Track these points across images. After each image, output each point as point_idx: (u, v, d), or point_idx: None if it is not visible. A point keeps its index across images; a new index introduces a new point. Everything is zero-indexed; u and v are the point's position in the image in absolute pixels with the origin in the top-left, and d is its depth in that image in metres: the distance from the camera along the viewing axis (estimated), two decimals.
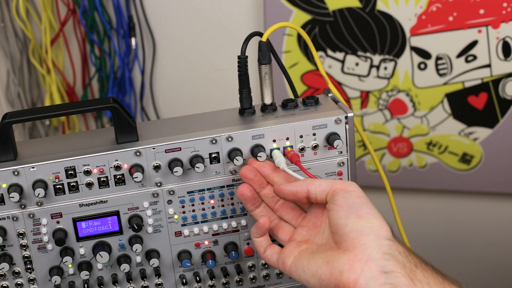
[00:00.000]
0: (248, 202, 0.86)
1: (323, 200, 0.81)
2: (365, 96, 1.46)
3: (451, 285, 0.74)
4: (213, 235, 0.93)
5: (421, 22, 1.37)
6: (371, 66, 1.42)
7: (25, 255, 0.89)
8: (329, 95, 0.96)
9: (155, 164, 0.87)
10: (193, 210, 0.91)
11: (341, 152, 0.92)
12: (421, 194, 1.56)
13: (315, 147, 0.91)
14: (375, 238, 0.74)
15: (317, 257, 0.78)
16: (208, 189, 0.91)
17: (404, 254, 0.74)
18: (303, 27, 1.41)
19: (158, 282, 0.94)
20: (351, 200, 0.78)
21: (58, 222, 0.88)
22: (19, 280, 0.90)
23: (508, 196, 1.52)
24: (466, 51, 1.38)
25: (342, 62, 1.43)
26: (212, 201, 0.92)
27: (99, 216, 0.89)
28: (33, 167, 0.85)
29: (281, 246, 0.85)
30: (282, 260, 0.82)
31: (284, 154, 0.89)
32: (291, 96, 1.01)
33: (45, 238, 0.89)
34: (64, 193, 0.87)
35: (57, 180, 0.86)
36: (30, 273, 0.90)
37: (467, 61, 1.39)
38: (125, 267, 0.90)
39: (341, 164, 0.92)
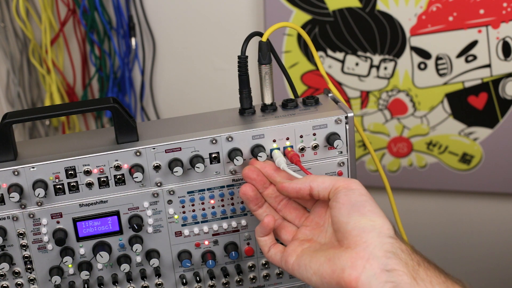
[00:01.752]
0: (251, 202, 0.86)
1: (326, 197, 0.81)
2: (365, 96, 1.46)
3: (454, 284, 0.74)
4: (213, 235, 0.93)
5: (421, 22, 1.37)
6: (371, 66, 1.42)
7: (25, 255, 0.89)
8: (329, 95, 0.96)
9: (155, 164, 0.87)
10: (193, 210, 0.91)
11: (341, 152, 0.92)
12: (421, 194, 1.56)
13: (315, 147, 0.91)
14: (377, 236, 0.74)
15: (319, 255, 0.78)
16: (208, 189, 0.91)
17: (407, 252, 0.74)
18: (303, 27, 1.41)
19: (158, 282, 0.94)
20: (354, 198, 0.78)
21: (58, 222, 0.88)
22: (19, 280, 0.90)
23: (508, 196, 1.52)
24: (466, 51, 1.38)
25: (342, 62, 1.43)
26: (212, 201, 0.92)
27: (99, 216, 0.89)
28: (33, 167, 0.85)
29: (285, 246, 0.85)
30: (285, 259, 0.82)
31: (284, 154, 0.89)
32: (291, 96, 1.01)
33: (45, 238, 0.89)
34: (64, 193, 0.87)
35: (57, 180, 0.86)
36: (30, 273, 0.90)
37: (467, 61, 1.39)
38: (125, 267, 0.90)
39: (341, 164, 0.92)
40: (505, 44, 1.36)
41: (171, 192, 0.90)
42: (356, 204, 0.77)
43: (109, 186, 0.88)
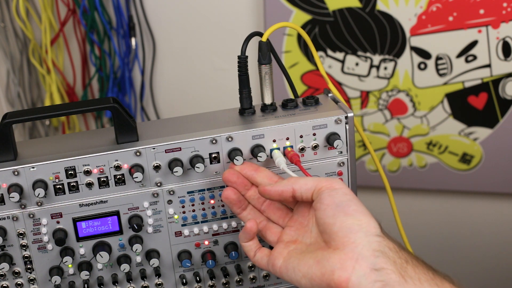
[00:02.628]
0: (234, 205, 0.86)
1: (309, 198, 0.80)
2: (365, 96, 1.46)
3: (442, 280, 0.74)
4: (213, 235, 0.93)
5: (421, 22, 1.37)
6: (371, 66, 1.42)
7: (25, 255, 0.89)
8: (329, 95, 0.96)
9: (155, 164, 0.87)
10: (193, 210, 0.91)
11: (341, 152, 0.92)
12: (421, 194, 1.56)
13: (315, 147, 0.91)
14: (365, 235, 0.74)
15: (307, 257, 0.77)
16: (208, 189, 0.91)
17: (394, 250, 0.74)
18: (303, 27, 1.41)
19: (158, 282, 0.94)
20: (338, 198, 0.77)
21: (58, 222, 0.88)
22: (19, 280, 0.90)
23: (508, 196, 1.52)
24: (466, 51, 1.38)
25: (342, 62, 1.43)
26: (212, 201, 0.92)
27: (99, 216, 0.89)
28: (33, 167, 0.85)
29: (271, 248, 0.85)
30: (272, 262, 0.81)
31: (284, 154, 0.89)
32: (291, 96, 1.01)
33: (45, 238, 0.89)
34: (64, 193, 0.87)
35: (57, 180, 0.86)
36: (30, 273, 0.90)
37: (467, 61, 1.39)
38: (125, 267, 0.90)
39: (341, 164, 0.92)
40: (505, 44, 1.36)
41: (171, 192, 0.90)
42: (340, 205, 0.77)
43: (109, 186, 0.88)
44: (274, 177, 0.85)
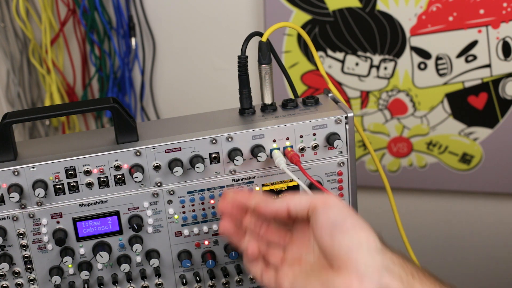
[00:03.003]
0: (233, 237, 0.84)
1: (305, 216, 0.78)
2: (365, 96, 1.46)
3: None
4: (213, 235, 0.93)
5: (421, 22, 1.37)
6: (371, 66, 1.42)
7: (25, 255, 0.89)
8: (329, 95, 0.96)
9: (155, 164, 0.87)
10: (193, 210, 0.91)
11: (341, 152, 0.92)
12: (421, 194, 1.56)
13: (315, 147, 0.91)
14: (367, 252, 0.72)
15: (312, 279, 0.76)
16: (208, 189, 0.91)
17: (399, 264, 0.73)
18: (303, 27, 1.41)
19: (158, 282, 0.94)
20: (333, 216, 0.75)
21: (58, 222, 0.88)
22: (19, 280, 0.90)
23: (508, 196, 1.52)
24: (466, 51, 1.38)
25: (342, 62, 1.43)
26: (212, 201, 0.92)
27: (99, 216, 0.89)
28: (33, 167, 0.85)
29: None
30: (279, 284, 0.79)
31: (284, 154, 0.89)
32: (291, 96, 1.01)
33: (45, 238, 0.89)
34: (64, 193, 0.87)
35: (57, 180, 0.86)
36: (30, 273, 0.90)
37: (467, 61, 1.39)
38: (125, 267, 0.90)
39: (341, 164, 0.92)
40: (505, 44, 1.36)
41: (171, 192, 0.90)
42: (336, 223, 0.74)
43: (109, 186, 0.88)
44: (269, 199, 0.83)
